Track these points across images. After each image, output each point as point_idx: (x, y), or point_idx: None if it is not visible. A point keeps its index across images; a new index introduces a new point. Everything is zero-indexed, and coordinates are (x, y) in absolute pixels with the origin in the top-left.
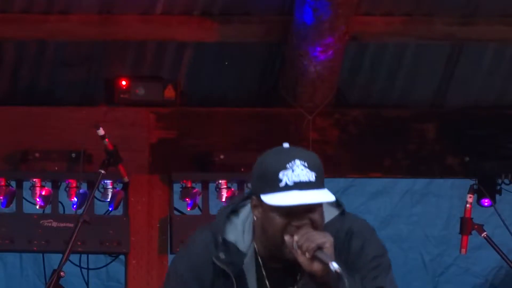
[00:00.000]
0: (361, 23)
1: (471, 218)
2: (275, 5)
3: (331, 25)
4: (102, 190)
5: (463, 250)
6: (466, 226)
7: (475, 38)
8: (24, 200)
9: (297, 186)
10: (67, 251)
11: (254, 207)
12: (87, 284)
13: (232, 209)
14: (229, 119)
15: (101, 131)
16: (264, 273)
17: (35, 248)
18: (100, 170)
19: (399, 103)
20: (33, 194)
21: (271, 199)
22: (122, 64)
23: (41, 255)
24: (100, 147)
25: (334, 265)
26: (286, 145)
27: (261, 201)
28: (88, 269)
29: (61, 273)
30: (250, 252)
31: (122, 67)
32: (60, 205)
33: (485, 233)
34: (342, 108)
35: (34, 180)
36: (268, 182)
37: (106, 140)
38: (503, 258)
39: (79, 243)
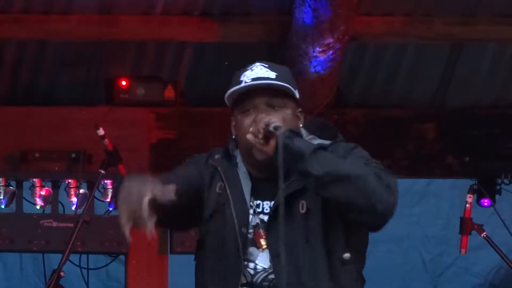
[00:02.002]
0: (361, 23)
1: (471, 218)
2: (275, 5)
3: (331, 25)
4: (102, 190)
5: (463, 250)
6: (466, 226)
7: (475, 38)
8: (24, 200)
9: (253, 81)
10: (67, 251)
11: (231, 122)
12: (87, 284)
13: None
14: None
15: (101, 131)
16: (251, 183)
17: (35, 248)
18: (100, 170)
19: (399, 103)
20: (33, 194)
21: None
22: (122, 64)
23: (41, 255)
24: (100, 147)
25: (273, 125)
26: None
27: (233, 111)
28: (88, 269)
29: (61, 273)
30: (240, 164)
31: (122, 67)
32: (60, 205)
33: (485, 233)
34: (342, 108)
35: (34, 180)
36: (232, 86)
37: (106, 140)
38: (503, 258)
39: (79, 243)
